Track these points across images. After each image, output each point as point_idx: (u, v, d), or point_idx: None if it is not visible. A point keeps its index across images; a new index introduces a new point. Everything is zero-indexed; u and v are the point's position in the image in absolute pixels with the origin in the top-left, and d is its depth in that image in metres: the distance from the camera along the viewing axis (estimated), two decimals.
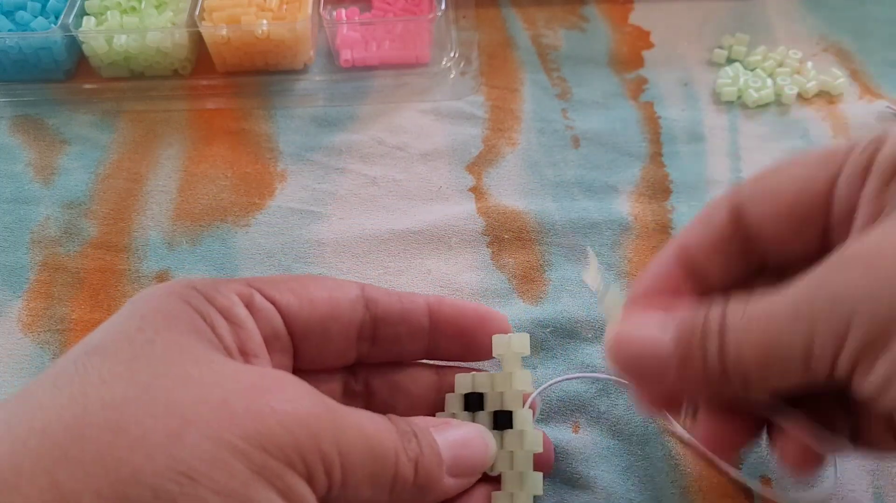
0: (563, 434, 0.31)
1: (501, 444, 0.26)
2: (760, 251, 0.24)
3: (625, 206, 0.39)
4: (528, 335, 0.27)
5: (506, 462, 0.26)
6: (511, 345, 0.27)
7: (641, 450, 0.31)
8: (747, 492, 0.30)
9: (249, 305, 0.24)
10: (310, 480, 0.20)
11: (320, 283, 0.26)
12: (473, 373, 0.28)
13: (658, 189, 0.40)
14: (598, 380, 0.32)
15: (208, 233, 0.38)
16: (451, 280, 0.36)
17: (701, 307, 0.22)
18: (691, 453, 0.30)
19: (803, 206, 0.22)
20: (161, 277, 0.37)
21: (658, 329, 0.22)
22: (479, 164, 0.41)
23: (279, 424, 0.19)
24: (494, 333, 0.28)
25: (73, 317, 0.35)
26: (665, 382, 0.23)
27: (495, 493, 0.26)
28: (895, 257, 0.19)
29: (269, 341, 0.24)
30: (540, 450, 0.26)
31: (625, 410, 0.32)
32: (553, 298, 0.35)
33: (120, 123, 0.44)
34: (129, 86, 0.45)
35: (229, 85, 0.45)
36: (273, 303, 0.25)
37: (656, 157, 0.41)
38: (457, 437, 0.25)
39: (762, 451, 0.30)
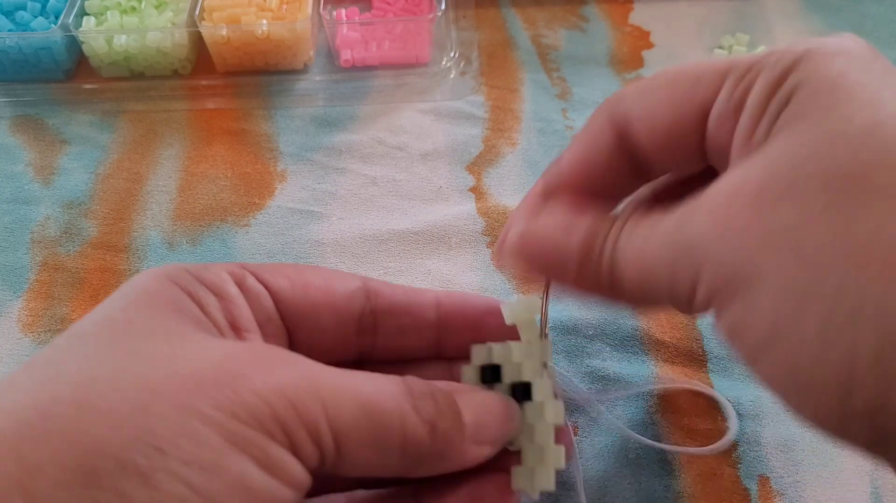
0: None
1: (523, 416, 0.25)
2: (653, 170, 0.24)
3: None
4: (537, 298, 0.26)
5: (526, 436, 0.25)
6: (523, 310, 0.26)
7: (639, 452, 0.31)
8: (744, 492, 0.30)
9: (241, 285, 0.23)
10: (294, 449, 0.19)
11: (318, 272, 0.26)
12: (490, 343, 0.26)
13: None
14: (597, 381, 0.32)
15: (208, 233, 0.38)
16: (452, 280, 0.36)
17: (605, 220, 0.23)
18: None
19: (678, 135, 0.22)
20: None
21: (563, 233, 0.23)
22: (479, 164, 0.41)
23: (253, 392, 0.19)
24: (503, 327, 0.26)
25: (73, 317, 0.35)
26: (565, 279, 0.24)
27: (516, 468, 0.25)
28: (738, 210, 0.18)
29: (262, 323, 0.24)
30: (561, 421, 0.25)
31: (623, 411, 0.32)
32: (553, 296, 0.35)
33: (120, 123, 0.44)
34: (129, 86, 0.45)
35: (229, 85, 0.46)
36: (265, 285, 0.24)
37: None
38: (480, 402, 0.23)
39: (762, 451, 0.30)
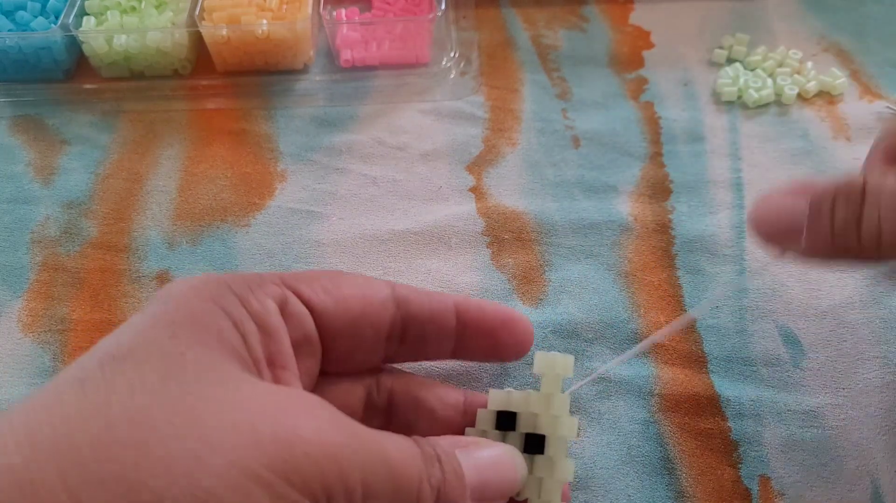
0: None
1: (531, 469, 0.25)
2: None
3: (625, 207, 0.39)
4: (572, 357, 0.26)
5: (533, 488, 0.25)
6: (554, 365, 0.26)
7: (640, 452, 0.31)
8: (745, 492, 0.30)
9: (283, 309, 0.23)
10: None
11: (352, 281, 0.26)
12: (509, 389, 0.27)
13: (658, 189, 0.40)
14: (598, 382, 0.32)
15: (208, 233, 0.38)
16: (451, 280, 0.36)
17: (832, 182, 0.24)
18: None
19: None
20: (161, 277, 0.37)
21: (793, 199, 0.25)
22: (479, 164, 0.41)
23: (305, 455, 0.19)
24: (518, 335, 0.27)
25: (73, 317, 0.35)
26: (795, 240, 0.25)
27: None
28: None
29: (299, 345, 0.24)
30: (570, 479, 0.25)
31: (624, 412, 0.32)
32: (553, 299, 0.35)
33: (120, 123, 0.44)
34: (129, 86, 0.45)
35: (229, 85, 0.45)
36: (308, 305, 0.24)
37: (656, 157, 0.41)
38: (485, 459, 0.24)
39: (763, 451, 0.30)
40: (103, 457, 0.17)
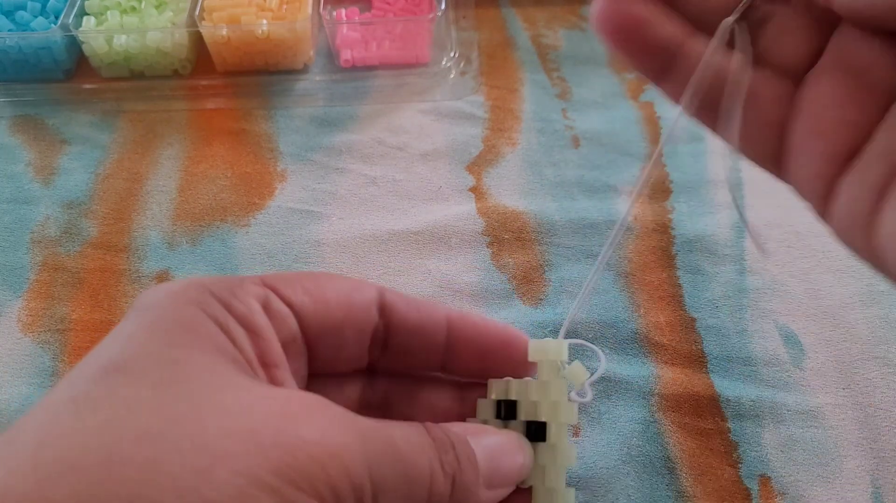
0: None
1: (534, 457, 0.25)
2: None
3: (625, 207, 0.39)
4: (566, 342, 0.26)
5: (538, 475, 0.25)
6: (547, 351, 0.26)
7: (640, 452, 0.31)
8: (745, 492, 0.30)
9: (266, 309, 0.23)
10: None
11: (336, 284, 0.25)
12: (508, 379, 0.26)
13: (658, 189, 0.40)
14: (598, 382, 0.32)
15: (208, 233, 0.38)
16: (451, 280, 0.36)
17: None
18: None
19: None
20: (161, 277, 0.37)
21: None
22: (479, 164, 0.41)
23: (309, 457, 0.19)
24: (515, 358, 0.26)
25: (73, 317, 0.35)
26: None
27: None
28: None
29: (286, 345, 0.24)
30: (573, 464, 0.25)
31: (624, 412, 0.32)
32: (553, 299, 0.35)
33: (120, 123, 0.44)
34: (129, 86, 0.45)
35: (229, 85, 0.45)
36: (289, 305, 0.24)
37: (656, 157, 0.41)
38: (494, 446, 0.23)
39: (762, 451, 0.30)
40: (111, 479, 0.17)
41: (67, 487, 0.17)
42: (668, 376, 0.33)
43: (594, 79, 0.45)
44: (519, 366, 0.26)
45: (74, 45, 0.45)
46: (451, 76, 0.46)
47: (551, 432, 0.25)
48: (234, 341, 0.22)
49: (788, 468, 0.30)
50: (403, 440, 0.21)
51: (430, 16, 0.46)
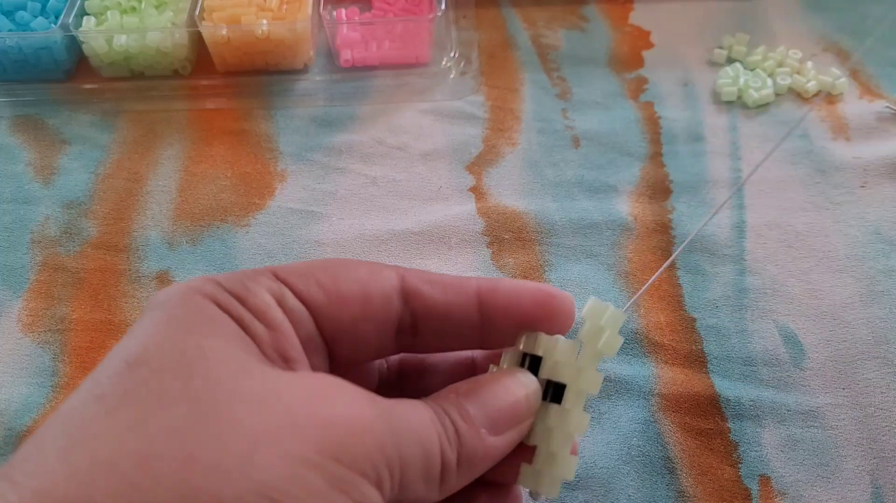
0: None
1: (547, 418, 0.24)
2: None
3: (625, 206, 0.39)
4: (626, 315, 0.24)
5: (545, 436, 0.24)
6: (602, 316, 0.24)
7: (640, 452, 0.31)
8: (745, 492, 0.30)
9: (281, 305, 0.22)
10: (379, 487, 0.19)
11: (352, 273, 0.23)
12: (540, 334, 0.24)
13: (658, 189, 0.40)
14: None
15: (208, 233, 0.38)
16: None
17: None
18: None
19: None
20: (161, 277, 0.37)
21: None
22: (479, 164, 0.41)
23: (347, 433, 0.19)
24: (560, 319, 0.24)
25: (73, 317, 0.35)
26: None
27: (524, 466, 0.24)
28: None
29: (304, 342, 0.23)
30: (583, 433, 0.24)
31: (624, 412, 0.32)
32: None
33: (120, 123, 0.44)
34: (129, 86, 0.45)
35: (229, 85, 0.45)
36: (303, 301, 0.23)
37: (656, 157, 0.41)
38: (489, 394, 0.23)
39: (762, 451, 0.30)
40: (150, 473, 0.17)
41: (107, 488, 0.16)
42: (669, 376, 0.33)
43: (594, 79, 0.45)
44: (559, 322, 0.25)
45: (74, 45, 0.45)
46: (451, 76, 0.46)
47: (569, 397, 0.24)
48: (253, 336, 0.21)
49: (788, 468, 0.30)
50: (416, 417, 0.21)
51: (430, 16, 0.46)
